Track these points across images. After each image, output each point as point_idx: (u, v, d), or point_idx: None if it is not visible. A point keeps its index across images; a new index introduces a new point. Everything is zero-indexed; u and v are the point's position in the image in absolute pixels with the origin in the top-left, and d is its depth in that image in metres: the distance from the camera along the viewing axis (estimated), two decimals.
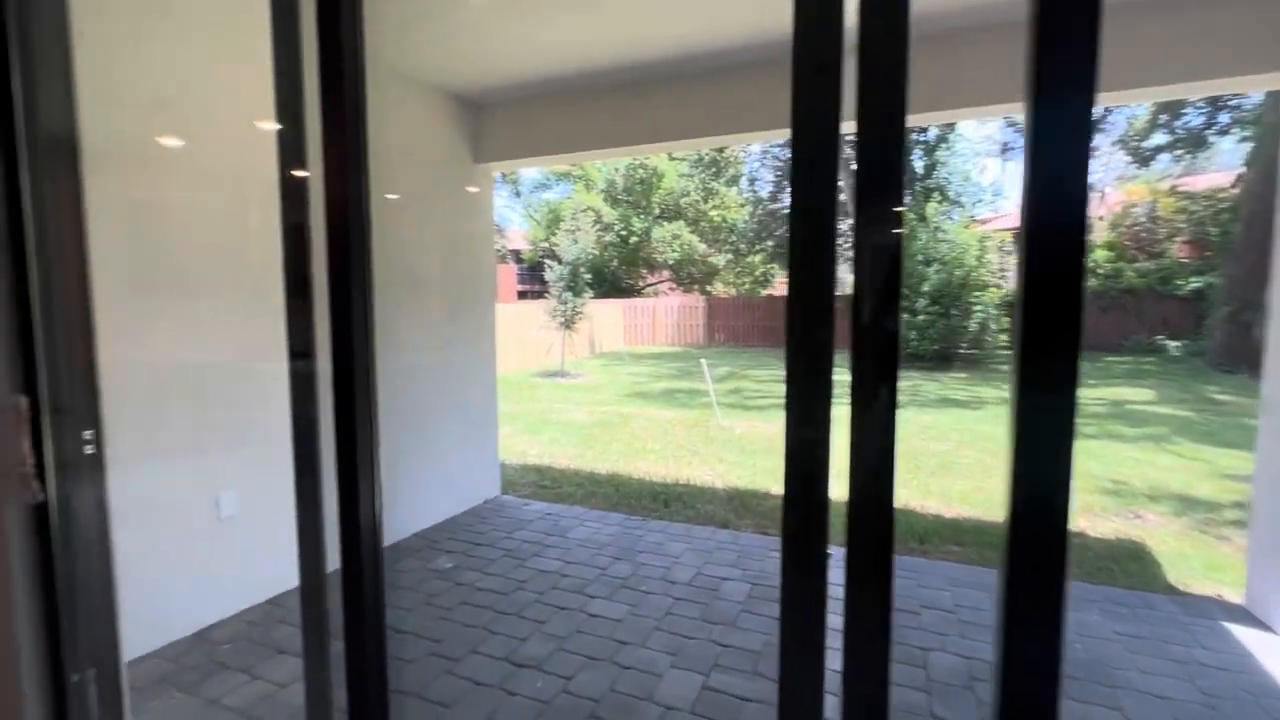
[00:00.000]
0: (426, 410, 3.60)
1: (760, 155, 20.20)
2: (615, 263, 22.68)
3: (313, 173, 1.44)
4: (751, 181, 21.02)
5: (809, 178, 0.85)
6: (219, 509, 2.54)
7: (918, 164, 14.79)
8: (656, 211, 22.57)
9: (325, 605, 1.78)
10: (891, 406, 0.81)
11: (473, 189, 3.98)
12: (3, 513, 1.58)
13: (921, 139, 14.65)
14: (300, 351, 1.48)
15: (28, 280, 1.54)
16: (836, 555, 0.86)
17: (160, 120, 2.32)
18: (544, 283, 15.66)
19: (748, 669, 2.26)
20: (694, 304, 17.91)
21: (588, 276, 12.33)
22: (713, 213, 22.71)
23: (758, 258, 21.58)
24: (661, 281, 24.74)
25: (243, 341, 2.59)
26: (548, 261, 12.18)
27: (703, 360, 7.98)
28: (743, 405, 8.26)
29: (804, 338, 0.88)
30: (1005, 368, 10.85)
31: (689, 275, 24.15)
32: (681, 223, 23.31)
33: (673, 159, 24.76)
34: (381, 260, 1.31)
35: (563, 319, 11.69)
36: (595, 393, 9.65)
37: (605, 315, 17.01)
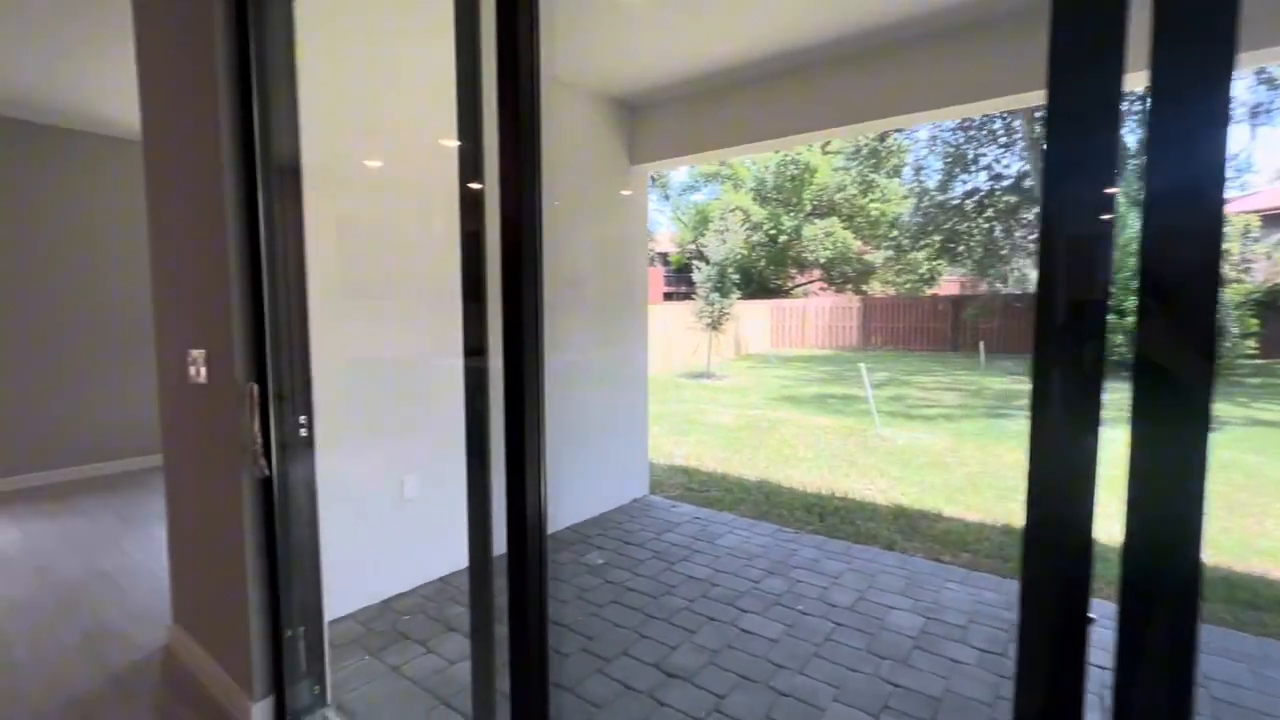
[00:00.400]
0: (581, 408, 3.70)
1: (928, 142, 18.51)
2: (763, 263, 22.13)
3: (487, 183, 1.48)
4: (917, 170, 19.32)
5: (1073, 148, 0.67)
6: (403, 491, 2.79)
7: (1131, 139, 12.52)
8: (808, 208, 21.64)
9: (492, 589, 1.84)
10: (1199, 429, 0.60)
11: (627, 191, 4.02)
12: (239, 483, 1.84)
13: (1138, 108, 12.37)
14: (474, 349, 1.53)
15: (261, 284, 1.78)
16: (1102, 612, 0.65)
17: (357, 141, 2.60)
18: (690, 284, 15.70)
19: (926, 717, 1.98)
20: (848, 304, 16.89)
21: (735, 277, 12.12)
22: (870, 207, 21.27)
23: (922, 253, 19.79)
24: (811, 281, 23.70)
25: (421, 339, 2.82)
26: (695, 263, 12.16)
27: (861, 365, 7.43)
28: (905, 414, 7.56)
29: (1059, 346, 0.69)
30: (1252, 380, 8.85)
31: (841, 274, 22.83)
32: (835, 219, 22.11)
33: (826, 153, 23.58)
34: (544, 264, 1.31)
35: (709, 320, 11.60)
36: (742, 395, 9.43)
37: (752, 316, 16.67)
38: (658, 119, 3.92)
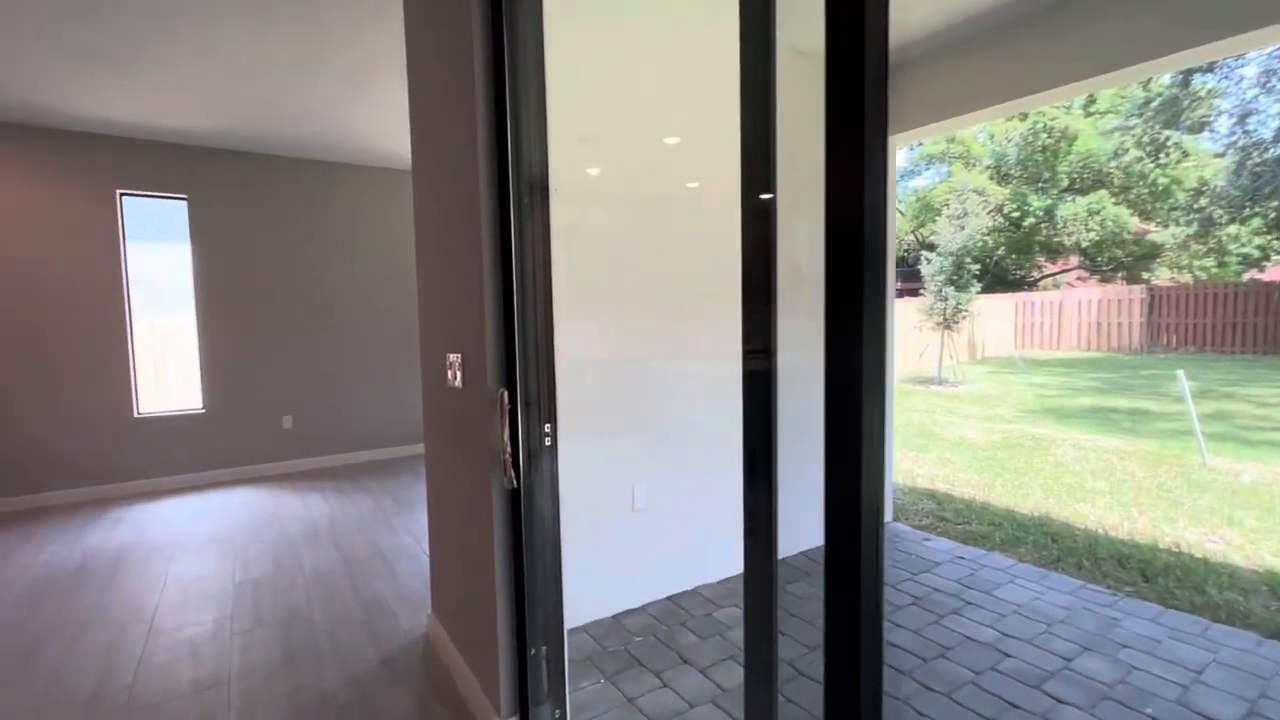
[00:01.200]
0: (810, 419, 3.26)
1: (1258, 80, 14.21)
2: (1001, 251, 19.08)
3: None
4: (1242, 119, 14.97)
5: None
6: (633, 501, 2.65)
7: None
8: (1065, 183, 18.09)
9: (775, 618, 1.52)
10: None
11: None
12: (489, 490, 1.79)
13: None
14: (758, 349, 1.26)
15: (511, 293, 1.71)
16: None
17: (585, 153, 2.50)
18: (911, 279, 14.03)
19: None
20: (1124, 296, 13.64)
21: (975, 268, 10.46)
22: (1159, 174, 17.04)
23: (1246, 228, 15.26)
24: (1066, 270, 19.83)
25: (650, 341, 2.65)
26: (924, 254, 10.77)
27: (1179, 372, 5.77)
28: (1239, 438, 5.69)
29: None
30: None
31: (1111, 260, 18.69)
32: (1103, 193, 18.14)
33: (1090, 113, 19.53)
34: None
35: (940, 318, 10.17)
36: (987, 405, 8.03)
37: (991, 313, 14.40)
38: (907, 81, 3.32)
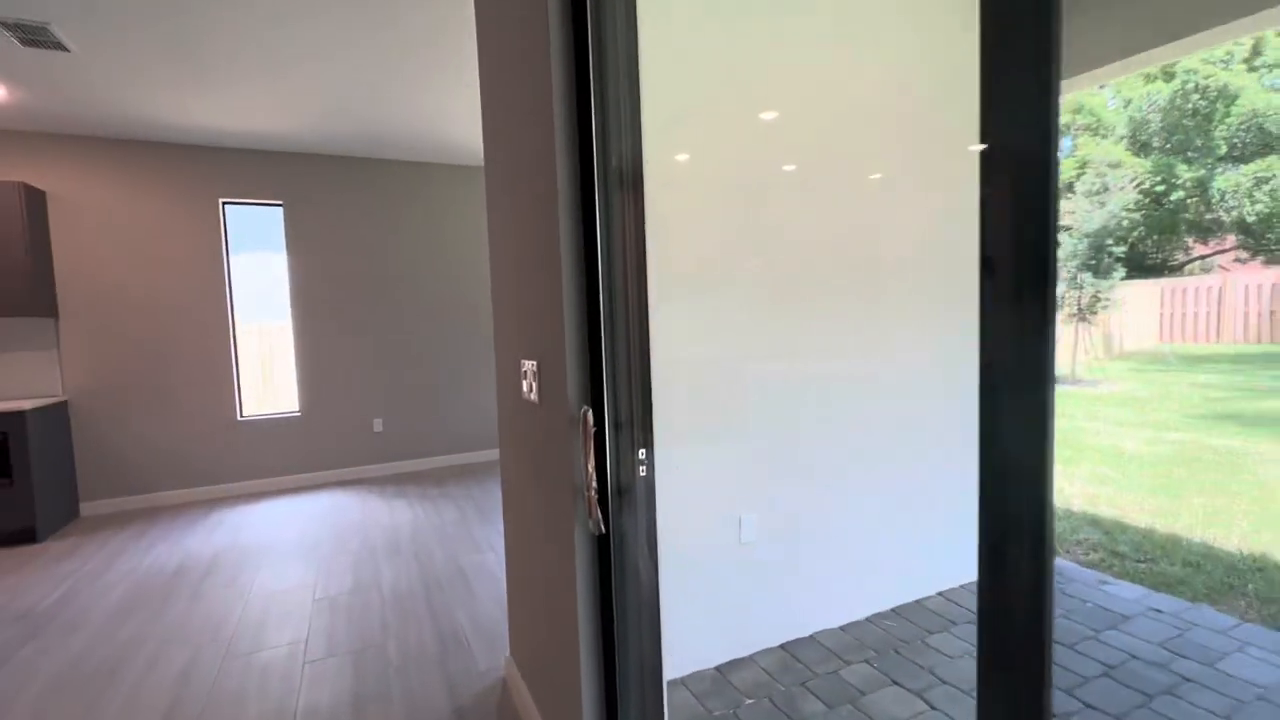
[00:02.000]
0: (942, 427, 2.70)
1: None
2: (1140, 230, 16.83)
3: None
4: None
5: None
6: (739, 533, 2.23)
7: None
8: (1222, 150, 15.66)
9: (1047, 673, 1.07)
10: None
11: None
12: (570, 532, 1.44)
13: None
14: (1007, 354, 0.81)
15: (597, 297, 1.34)
16: None
17: (684, 134, 2.10)
18: None
19: None
20: None
21: (1118, 250, 9.11)
22: None
23: None
24: (1222, 251, 17.17)
25: (743, 342, 2.22)
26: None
27: None
28: None
29: None
30: None
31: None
32: (1274, 158, 15.56)
33: (1254, 67, 16.80)
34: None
35: (1075, 308, 8.93)
36: (1141, 410, 6.89)
37: (1130, 302, 12.65)
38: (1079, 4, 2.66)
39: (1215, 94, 15.22)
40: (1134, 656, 2.19)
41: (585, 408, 1.29)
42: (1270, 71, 15.03)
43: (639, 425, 1.39)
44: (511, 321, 1.78)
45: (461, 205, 5.35)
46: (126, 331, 4.39)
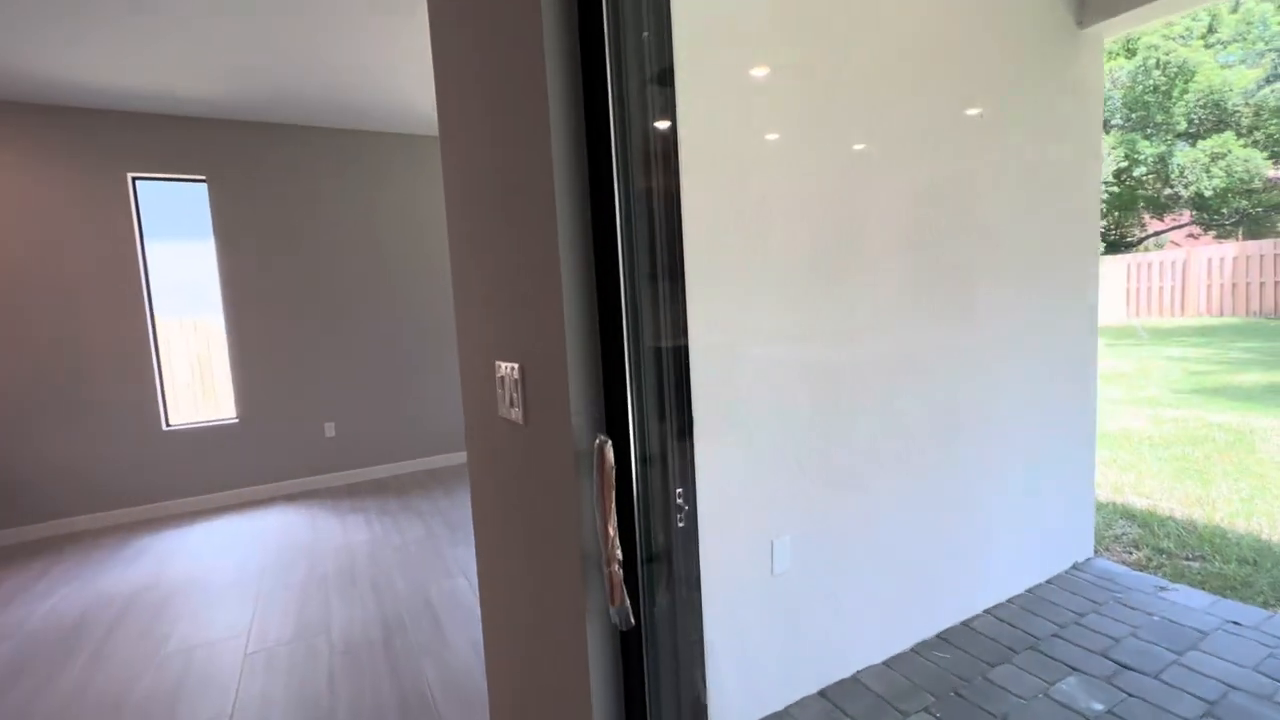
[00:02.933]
0: (995, 415, 2.34)
1: None
2: (1103, 207, 17.03)
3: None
4: None
5: None
6: (772, 561, 1.82)
7: None
8: (1182, 126, 15.86)
9: None
10: None
11: (1068, 78, 2.47)
12: (583, 630, 0.99)
13: None
14: None
15: (619, 290, 0.85)
16: None
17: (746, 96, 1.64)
18: None
19: None
20: (1270, 252, 11.66)
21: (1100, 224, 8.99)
22: None
23: None
24: (1178, 226, 17.57)
25: (765, 324, 1.80)
26: None
27: None
28: None
29: None
30: None
31: (1235, 212, 16.37)
32: (1229, 134, 15.83)
33: (1210, 44, 17.08)
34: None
35: None
36: (1131, 386, 6.78)
37: (1100, 277, 12.68)
38: None
39: (1175, 70, 15.25)
40: (1232, 687, 1.86)
41: (602, 438, 0.84)
42: (1224, 48, 15.14)
43: (675, 453, 0.95)
44: (478, 308, 1.31)
45: (418, 179, 4.77)
46: (21, 330, 3.73)
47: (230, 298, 4.27)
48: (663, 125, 0.89)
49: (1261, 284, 11.82)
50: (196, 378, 4.69)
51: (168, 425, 4.16)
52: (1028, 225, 2.40)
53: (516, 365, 1.08)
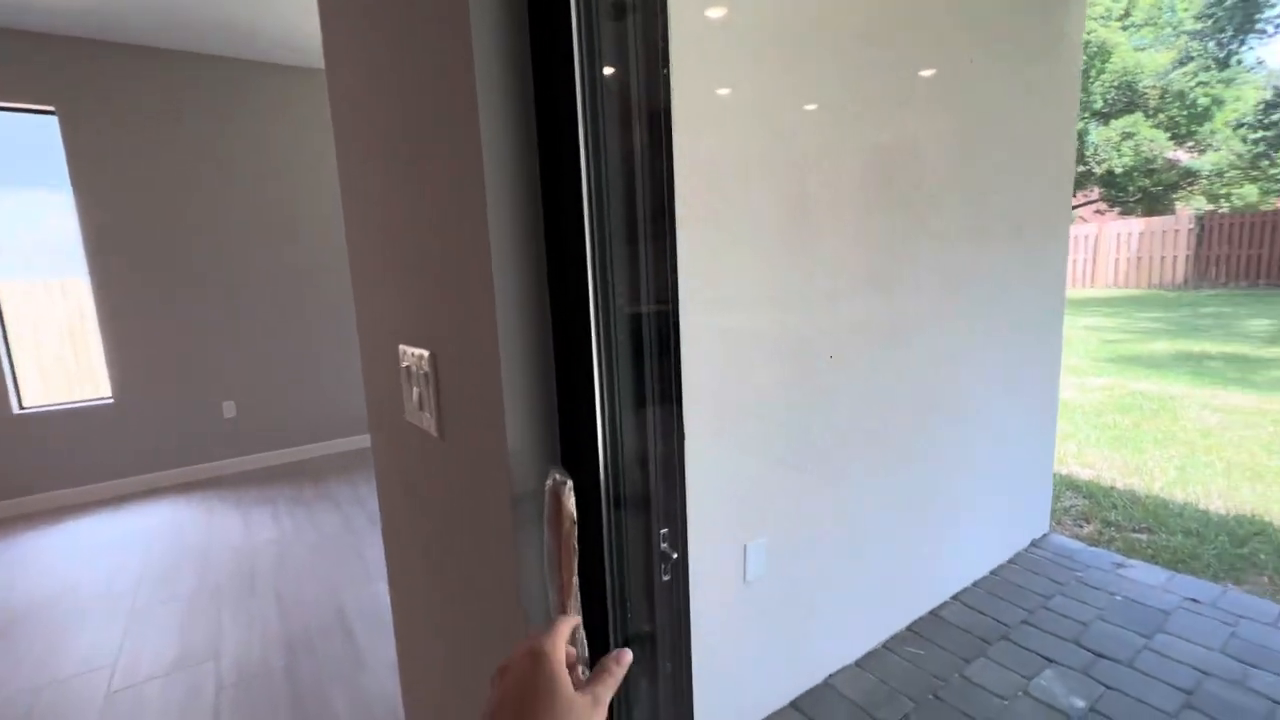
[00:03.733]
0: (969, 390, 2.19)
1: None
2: None
3: None
4: None
5: None
6: (745, 568, 1.59)
7: None
8: (1099, 104, 16.62)
9: None
10: None
11: (1049, 32, 2.27)
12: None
13: None
14: None
15: (582, 230, 0.54)
16: None
17: None
18: None
19: None
20: (1171, 228, 12.48)
21: None
22: (1199, 94, 15.67)
23: None
24: (1088, 202, 18.63)
25: (739, 292, 1.54)
26: None
27: None
28: None
29: None
30: None
31: (1138, 190, 17.49)
32: (1140, 115, 16.72)
33: (1127, 26, 17.87)
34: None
35: None
36: None
37: None
38: None
39: (1095, 49, 15.83)
40: (1205, 673, 1.81)
41: (558, 477, 0.53)
42: (1138, 31, 15.78)
43: (659, 479, 0.66)
44: (378, 271, 0.96)
45: (326, 120, 4.17)
46: None
47: (95, 257, 3.60)
48: (644, 26, 0.57)
49: (1163, 258, 12.68)
50: (69, 350, 4.00)
51: (20, 408, 3.51)
52: (1007, 188, 2.22)
53: (426, 353, 0.75)
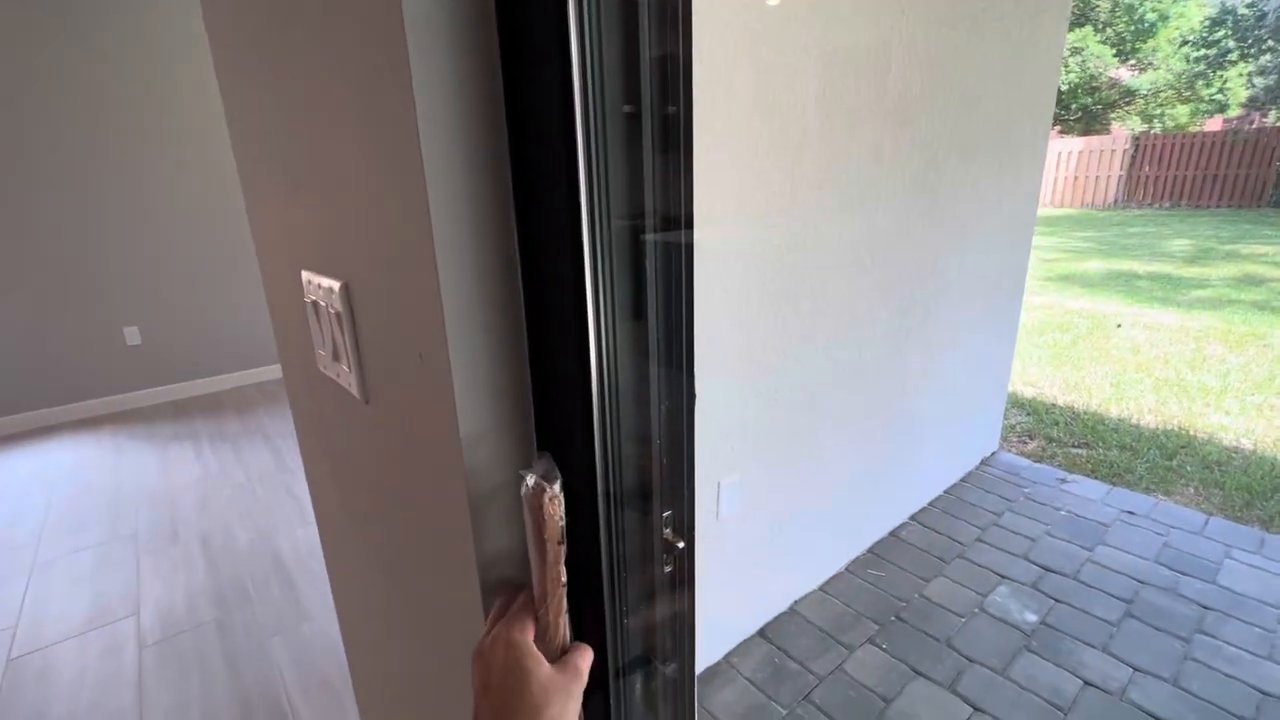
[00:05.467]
0: (944, 308, 2.13)
1: None
2: None
3: None
4: None
5: None
6: (718, 505, 1.50)
7: None
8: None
9: None
10: None
11: None
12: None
13: None
14: None
15: (572, 113, 0.33)
16: None
17: None
18: None
19: None
20: (1108, 147, 12.75)
21: None
22: (1147, 8, 15.64)
23: (1230, 72, 14.42)
24: None
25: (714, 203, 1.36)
26: None
27: None
28: None
29: None
30: None
31: (1079, 109, 17.71)
32: (1089, 29, 16.62)
33: None
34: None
35: None
36: None
37: None
38: None
39: None
40: (1141, 582, 1.90)
41: (535, 479, 0.37)
42: None
43: (664, 453, 0.51)
44: (269, 169, 0.71)
45: None
46: None
47: None
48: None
49: (1097, 178, 13.03)
50: None
51: None
52: (997, 95, 2.05)
53: (337, 285, 0.55)
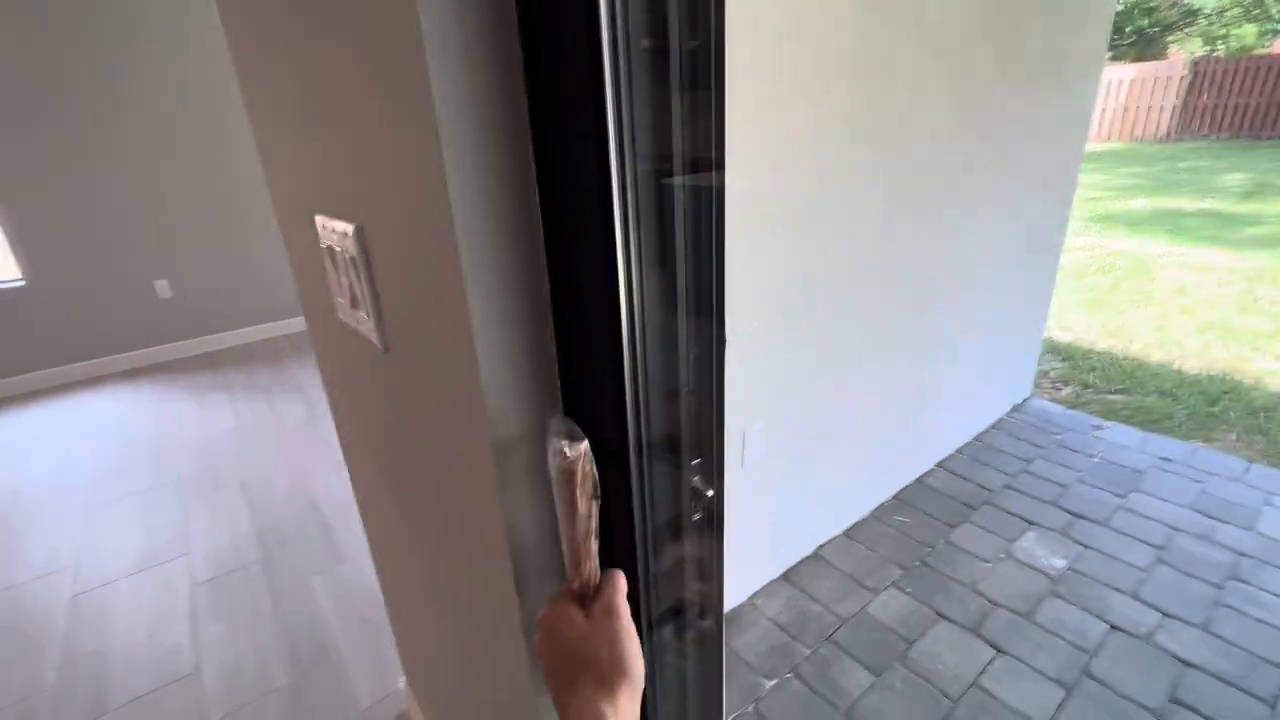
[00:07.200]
0: (984, 251, 2.04)
1: None
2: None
3: None
4: None
5: None
6: (743, 453, 1.49)
7: None
8: None
9: None
10: None
11: None
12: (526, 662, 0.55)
13: None
14: None
15: (599, 43, 0.28)
16: None
17: None
18: None
19: None
20: (1163, 74, 11.85)
21: None
22: None
23: None
24: None
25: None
26: None
27: None
28: None
29: None
30: None
31: (1135, 32, 16.45)
32: None
33: None
34: None
35: None
36: None
37: None
38: None
39: None
40: (1175, 529, 1.87)
41: (566, 443, 0.35)
42: None
43: (692, 399, 0.49)
44: (279, 108, 0.68)
45: None
46: None
47: None
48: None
49: (1150, 109, 12.21)
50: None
51: None
52: (1050, 11, 1.89)
53: (351, 228, 0.52)
